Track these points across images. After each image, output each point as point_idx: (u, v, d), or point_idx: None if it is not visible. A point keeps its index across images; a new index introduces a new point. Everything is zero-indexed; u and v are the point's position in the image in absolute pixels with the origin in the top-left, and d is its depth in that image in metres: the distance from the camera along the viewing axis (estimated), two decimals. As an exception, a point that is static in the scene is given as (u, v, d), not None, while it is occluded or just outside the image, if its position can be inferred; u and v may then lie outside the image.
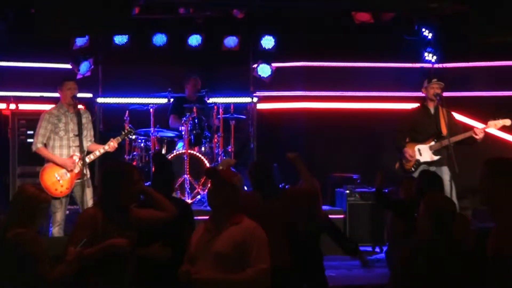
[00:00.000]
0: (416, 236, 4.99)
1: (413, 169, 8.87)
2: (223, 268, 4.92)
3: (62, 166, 8.24)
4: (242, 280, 4.89)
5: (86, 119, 8.51)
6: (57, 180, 8.24)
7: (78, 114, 8.29)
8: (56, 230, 8.20)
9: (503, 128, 9.29)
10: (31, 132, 8.83)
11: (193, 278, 4.87)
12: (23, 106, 10.32)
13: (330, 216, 7.79)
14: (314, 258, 6.59)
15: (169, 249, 5.63)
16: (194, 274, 4.88)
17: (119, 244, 5.21)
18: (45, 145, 8.31)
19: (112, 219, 5.28)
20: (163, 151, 10.38)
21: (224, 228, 5.00)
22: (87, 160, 8.31)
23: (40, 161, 8.44)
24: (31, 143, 8.48)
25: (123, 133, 8.79)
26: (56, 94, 8.68)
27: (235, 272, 4.91)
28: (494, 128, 9.03)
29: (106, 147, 8.46)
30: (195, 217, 6.43)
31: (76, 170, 8.26)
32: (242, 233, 4.95)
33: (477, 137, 8.75)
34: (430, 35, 11.30)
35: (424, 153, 8.90)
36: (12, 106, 10.29)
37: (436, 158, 8.87)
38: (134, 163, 10.07)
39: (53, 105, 8.60)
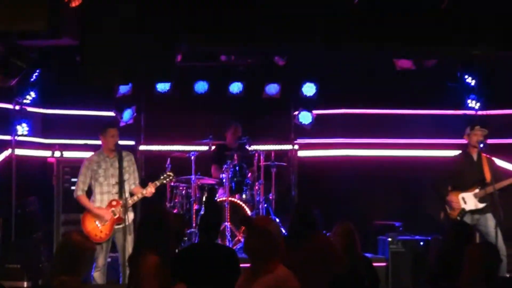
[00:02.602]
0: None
1: (458, 218, 8.76)
2: None
3: (97, 216, 8.31)
4: None
5: (128, 162, 8.56)
6: (96, 226, 8.30)
7: (120, 158, 8.34)
8: (97, 275, 8.26)
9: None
10: (75, 179, 8.93)
11: None
12: (67, 154, 10.47)
13: (373, 263, 7.76)
14: None
15: None
16: None
17: None
18: (87, 192, 8.40)
19: (167, 267, 5.30)
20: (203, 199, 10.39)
21: (259, 276, 4.94)
22: (130, 202, 8.35)
23: (83, 208, 8.52)
24: (74, 191, 8.58)
25: (162, 177, 8.79)
26: (99, 142, 8.77)
27: None
28: None
29: (144, 192, 8.50)
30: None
31: (116, 215, 8.32)
32: (274, 281, 4.84)
33: (521, 182, 8.65)
34: (473, 82, 11.24)
35: (469, 201, 8.80)
36: (57, 154, 10.44)
37: (481, 205, 8.76)
38: (175, 211, 10.10)
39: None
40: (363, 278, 6.81)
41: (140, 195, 8.48)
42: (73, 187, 8.91)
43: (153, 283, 5.19)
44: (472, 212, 8.78)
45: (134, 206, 8.65)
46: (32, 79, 10.09)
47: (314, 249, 6.33)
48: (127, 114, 10.82)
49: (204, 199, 10.25)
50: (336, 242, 6.91)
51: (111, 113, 10.91)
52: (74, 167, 9.63)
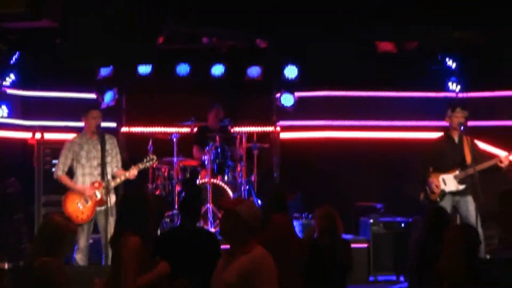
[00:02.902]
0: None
1: (438, 199, 8.82)
2: None
3: (81, 193, 8.30)
4: None
5: (111, 145, 8.55)
6: (78, 207, 8.30)
7: (102, 140, 8.32)
8: (79, 257, 8.28)
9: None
10: (56, 161, 8.91)
11: None
12: (48, 136, 10.42)
13: (353, 245, 7.82)
14: None
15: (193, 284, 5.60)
16: None
17: (167, 270, 5.25)
18: (68, 174, 8.39)
19: (148, 248, 5.32)
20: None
21: (235, 257, 4.95)
22: (113, 184, 8.34)
23: (64, 189, 8.51)
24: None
25: (145, 160, 8.79)
26: (81, 124, 8.75)
27: None
28: None
29: (127, 174, 8.49)
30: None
31: (98, 197, 8.32)
32: (250, 262, 4.85)
33: (501, 165, 8.68)
34: (454, 65, 11.28)
35: (449, 182, 8.85)
36: (38, 136, 10.39)
37: (461, 187, 8.81)
38: (158, 192, 10.10)
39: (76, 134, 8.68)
40: (342, 261, 6.88)
41: (122, 177, 8.48)
42: (54, 169, 8.88)
43: (135, 263, 5.20)
44: (453, 194, 8.83)
45: (116, 188, 8.63)
46: (12, 61, 10.01)
47: (273, 230, 6.36)
48: (109, 96, 10.77)
49: (184, 181, 10.25)
50: (317, 225, 6.97)
51: (92, 95, 10.86)
52: (55, 148, 9.62)
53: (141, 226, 5.37)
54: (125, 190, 8.47)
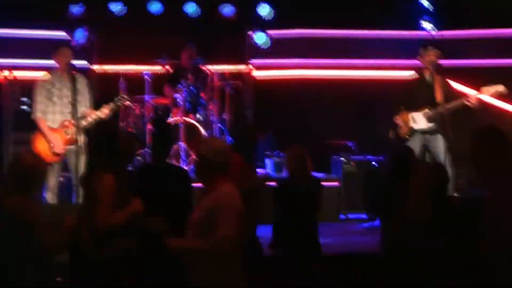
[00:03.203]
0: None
1: (407, 136, 8.87)
2: (198, 235, 4.83)
3: (49, 144, 8.25)
4: (201, 248, 4.76)
5: (81, 84, 8.47)
6: (48, 145, 8.26)
7: (73, 80, 8.24)
8: (49, 196, 8.26)
9: (499, 96, 9.26)
10: (25, 99, 8.84)
11: (167, 248, 4.85)
12: (17, 74, 10.31)
13: (324, 183, 7.89)
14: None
15: (166, 221, 5.62)
16: (168, 243, 4.86)
17: (140, 208, 5.31)
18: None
19: (121, 185, 5.35)
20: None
21: (205, 195, 4.98)
22: (84, 123, 8.30)
23: (34, 128, 8.44)
24: (25, 110, 8.50)
25: (116, 99, 8.73)
26: (51, 62, 8.65)
27: (204, 239, 4.79)
28: (487, 95, 8.94)
29: (99, 113, 8.45)
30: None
31: (68, 135, 8.29)
32: (213, 199, 4.86)
33: (470, 103, 8.72)
34: (426, 3, 11.25)
35: (419, 120, 8.87)
36: (6, 74, 10.28)
37: (430, 125, 8.85)
38: (129, 130, 10.08)
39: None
40: (313, 200, 6.95)
41: (94, 116, 8.43)
42: (23, 107, 8.82)
43: (109, 201, 5.22)
44: (423, 132, 8.86)
45: (87, 129, 8.58)
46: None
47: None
48: (79, 34, 10.67)
49: (154, 118, 10.24)
50: (288, 165, 7.05)
51: (63, 34, 10.73)
52: (25, 87, 9.55)
53: (114, 163, 5.39)
54: (97, 128, 8.43)
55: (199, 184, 5.16)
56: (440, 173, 5.28)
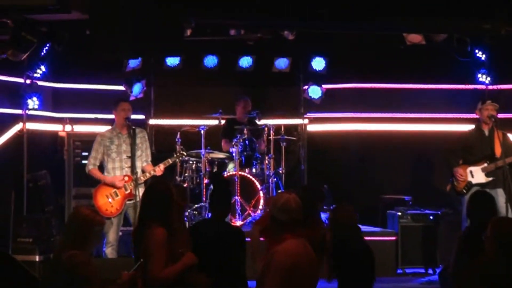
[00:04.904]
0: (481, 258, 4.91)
1: (464, 191, 8.77)
2: None
3: (111, 184, 8.35)
4: None
5: (141, 138, 8.60)
6: (108, 201, 8.36)
7: (133, 135, 8.39)
8: (109, 251, 8.31)
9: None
10: (86, 153, 8.98)
11: None
12: (78, 128, 10.51)
13: (381, 238, 7.75)
14: None
15: (210, 280, 5.61)
16: None
17: (194, 261, 5.29)
18: (99, 168, 8.45)
19: (172, 238, 5.37)
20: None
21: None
22: (142, 178, 8.40)
23: (95, 182, 8.57)
24: (85, 165, 8.63)
25: (174, 155, 8.88)
26: (110, 116, 8.81)
27: None
28: None
29: (156, 169, 8.54)
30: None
31: (127, 190, 8.37)
32: (270, 255, 4.99)
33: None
34: (483, 56, 11.16)
35: (476, 174, 8.80)
36: (68, 128, 10.48)
37: (489, 179, 8.74)
38: (186, 185, 10.13)
39: (107, 127, 8.74)
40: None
41: (152, 172, 8.51)
42: (84, 161, 8.97)
43: (162, 255, 5.23)
44: (482, 186, 8.76)
45: (146, 183, 8.66)
46: (42, 53, 10.09)
47: None
48: (137, 88, 10.84)
49: (211, 173, 10.28)
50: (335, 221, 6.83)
51: (121, 87, 10.93)
52: (85, 141, 9.74)
53: (165, 217, 5.41)
54: (150, 182, 8.51)
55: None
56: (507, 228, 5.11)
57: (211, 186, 9.53)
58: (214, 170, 10.27)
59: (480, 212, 6.16)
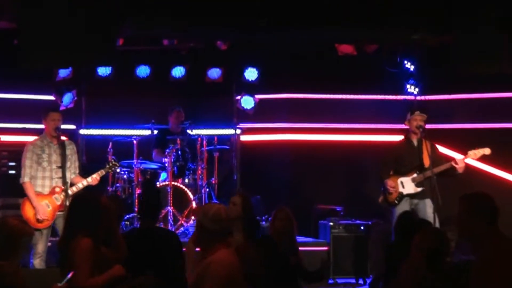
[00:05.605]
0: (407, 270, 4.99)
1: (396, 201, 8.88)
2: None
3: (34, 209, 8.17)
4: None
5: (70, 150, 8.51)
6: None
7: (62, 145, 8.29)
8: (37, 262, 8.15)
9: (484, 159, 9.31)
10: (13, 163, 8.79)
11: None
12: (5, 138, 10.28)
13: (313, 248, 7.79)
14: None
15: (159, 280, 5.55)
16: None
17: (121, 273, 5.21)
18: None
19: (100, 249, 5.28)
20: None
21: (201, 261, 5.02)
22: (70, 192, 8.28)
23: (22, 192, 8.38)
24: (12, 175, 8.47)
25: (107, 166, 8.81)
26: (38, 126, 8.66)
27: None
28: (473, 158, 9.00)
29: (89, 179, 8.45)
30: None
31: (58, 202, 8.25)
32: (205, 265, 4.93)
33: (457, 167, 8.76)
34: (412, 67, 11.37)
35: (406, 185, 8.92)
36: (-5, 137, 10.26)
37: (419, 189, 8.88)
38: (117, 194, 10.02)
39: (36, 137, 8.58)
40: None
41: (85, 183, 8.41)
42: (11, 171, 8.78)
43: (88, 266, 5.14)
44: (411, 196, 8.90)
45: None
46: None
47: None
48: (67, 98, 10.67)
49: (143, 182, 10.21)
50: (276, 226, 6.92)
51: (51, 97, 10.75)
52: (12, 151, 9.52)
53: (93, 227, 5.30)
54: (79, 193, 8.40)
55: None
56: (439, 236, 5.22)
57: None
58: (146, 178, 10.20)
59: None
